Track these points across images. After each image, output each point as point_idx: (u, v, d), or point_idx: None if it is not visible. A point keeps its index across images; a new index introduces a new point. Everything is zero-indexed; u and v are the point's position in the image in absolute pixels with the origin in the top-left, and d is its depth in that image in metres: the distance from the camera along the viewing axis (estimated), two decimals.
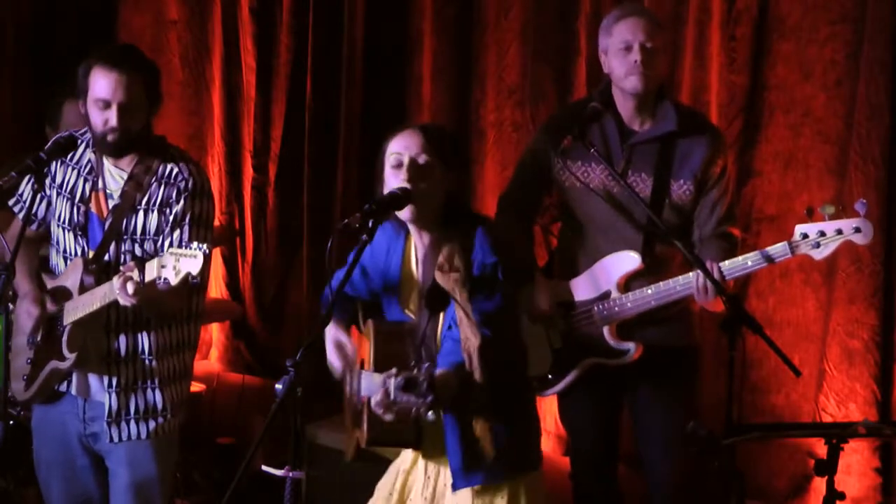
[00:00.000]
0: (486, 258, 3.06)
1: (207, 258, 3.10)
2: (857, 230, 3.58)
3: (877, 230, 4.28)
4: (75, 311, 3.50)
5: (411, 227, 3.18)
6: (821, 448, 3.23)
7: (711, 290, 3.58)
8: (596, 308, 3.86)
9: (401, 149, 3.09)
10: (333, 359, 3.24)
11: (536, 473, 3.24)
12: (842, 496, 3.23)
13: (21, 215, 3.67)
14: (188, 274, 3.10)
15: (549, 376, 3.92)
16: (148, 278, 3.18)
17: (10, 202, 3.74)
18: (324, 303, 3.32)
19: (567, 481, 4.22)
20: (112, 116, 3.44)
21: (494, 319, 3.05)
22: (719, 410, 3.48)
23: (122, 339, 3.54)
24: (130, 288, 3.22)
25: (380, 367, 3.05)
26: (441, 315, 3.13)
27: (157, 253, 3.48)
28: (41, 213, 3.68)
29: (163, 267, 3.14)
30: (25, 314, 3.60)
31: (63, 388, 3.62)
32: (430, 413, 2.86)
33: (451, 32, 5.27)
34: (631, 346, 3.83)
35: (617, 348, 3.84)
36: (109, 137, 3.47)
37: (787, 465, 4.58)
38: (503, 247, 3.10)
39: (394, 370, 2.86)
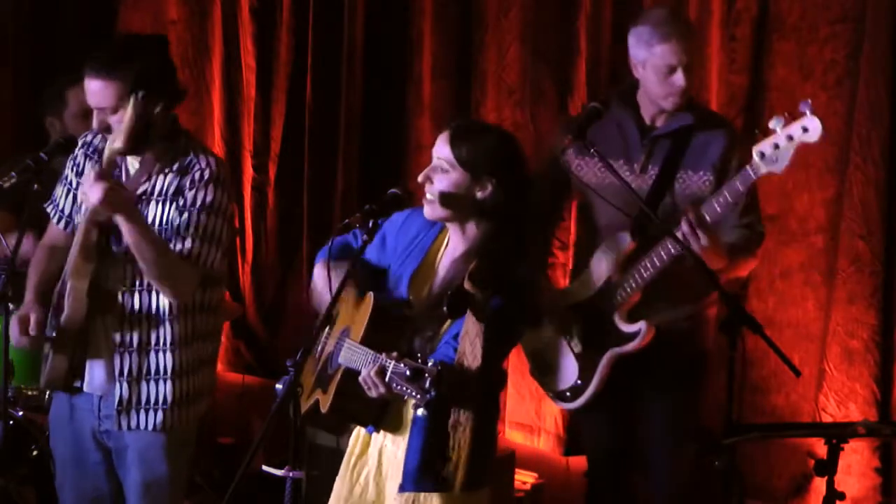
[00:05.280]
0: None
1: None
2: (805, 130, 3.46)
3: (877, 230, 4.31)
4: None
5: (448, 225, 3.18)
6: (821, 448, 3.23)
7: (702, 236, 3.54)
8: (601, 296, 3.83)
9: (434, 148, 3.11)
10: (321, 286, 3.18)
11: (483, 492, 3.14)
12: (842, 496, 3.24)
13: (55, 219, 3.66)
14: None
15: (579, 381, 3.86)
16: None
17: (47, 207, 3.69)
18: (318, 257, 3.31)
19: (566, 479, 4.23)
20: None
21: (494, 340, 3.01)
22: (719, 410, 3.48)
23: (135, 329, 3.52)
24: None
25: (367, 344, 3.03)
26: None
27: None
28: (68, 210, 3.65)
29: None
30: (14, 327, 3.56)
31: (77, 384, 3.59)
32: (420, 409, 2.85)
33: (451, 32, 5.27)
34: (641, 326, 3.75)
35: (628, 332, 3.77)
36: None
37: (787, 465, 4.58)
38: (530, 290, 3.10)
39: (395, 353, 2.87)
